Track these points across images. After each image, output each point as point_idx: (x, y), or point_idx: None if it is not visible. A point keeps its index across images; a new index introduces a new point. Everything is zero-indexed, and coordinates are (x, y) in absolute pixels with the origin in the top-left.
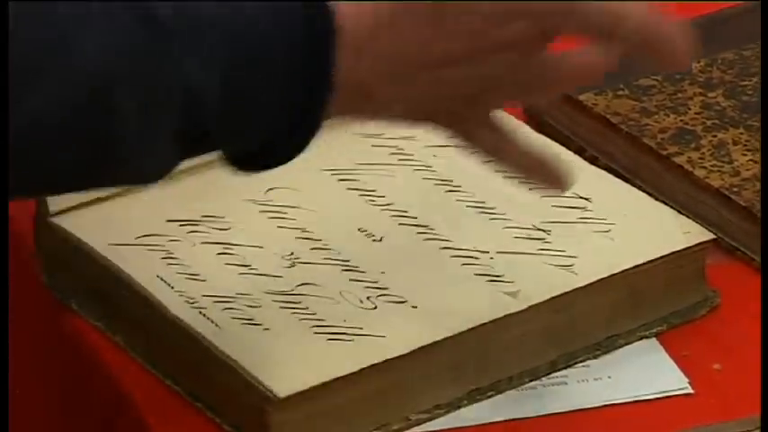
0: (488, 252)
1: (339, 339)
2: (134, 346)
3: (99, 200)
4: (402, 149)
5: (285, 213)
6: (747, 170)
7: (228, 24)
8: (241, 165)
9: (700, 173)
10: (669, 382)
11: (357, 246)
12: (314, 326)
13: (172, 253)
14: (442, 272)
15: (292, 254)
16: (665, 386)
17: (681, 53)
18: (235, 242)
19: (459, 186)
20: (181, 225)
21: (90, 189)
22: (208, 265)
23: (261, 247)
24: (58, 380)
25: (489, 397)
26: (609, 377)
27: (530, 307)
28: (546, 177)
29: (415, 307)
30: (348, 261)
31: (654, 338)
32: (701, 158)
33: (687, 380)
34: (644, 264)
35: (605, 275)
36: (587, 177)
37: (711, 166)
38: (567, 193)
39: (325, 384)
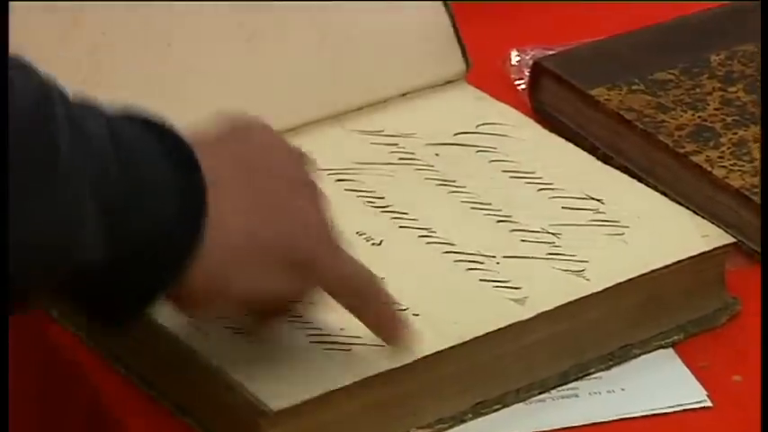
0: (494, 256)
1: (336, 349)
2: (117, 357)
3: None
4: (402, 147)
5: None
6: None
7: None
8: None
9: (719, 172)
10: (686, 394)
11: (355, 250)
12: (309, 335)
13: None
14: (445, 278)
15: None
16: (682, 399)
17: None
18: None
19: (464, 187)
20: None
21: None
22: None
23: None
24: (37, 392)
25: (496, 410)
26: (622, 389)
27: (538, 315)
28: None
29: (417, 315)
30: None
31: (670, 348)
32: (720, 157)
33: (705, 392)
34: (660, 269)
35: (619, 281)
36: (599, 177)
37: (731, 165)
38: (579, 194)
39: (321, 397)
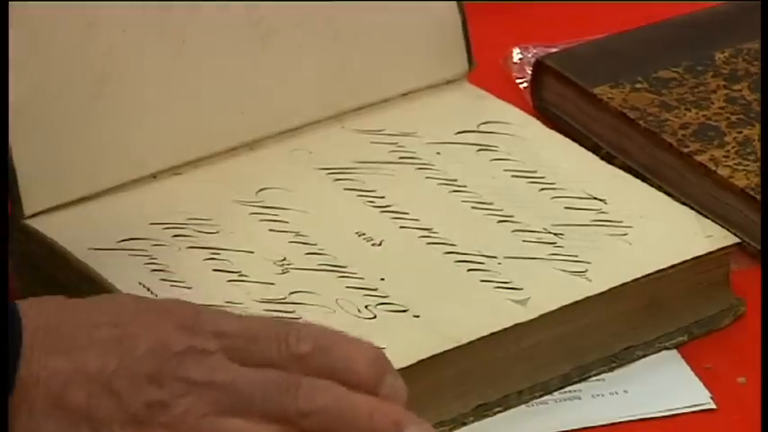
0: (496, 257)
1: None
2: None
3: (77, 201)
4: (403, 146)
5: (277, 216)
6: None
7: None
8: None
9: (723, 172)
10: (690, 396)
11: (355, 251)
12: None
13: (155, 258)
14: (445, 278)
15: (285, 259)
16: (687, 401)
17: None
18: (223, 247)
19: (465, 186)
20: (165, 228)
21: None
22: (194, 272)
23: (251, 253)
24: None
25: (497, 413)
26: (625, 391)
27: (540, 316)
28: None
29: (418, 316)
30: (345, 267)
31: (674, 350)
32: (724, 156)
33: (710, 394)
34: (663, 270)
35: (622, 282)
36: (602, 177)
37: (736, 164)
38: (581, 194)
39: None
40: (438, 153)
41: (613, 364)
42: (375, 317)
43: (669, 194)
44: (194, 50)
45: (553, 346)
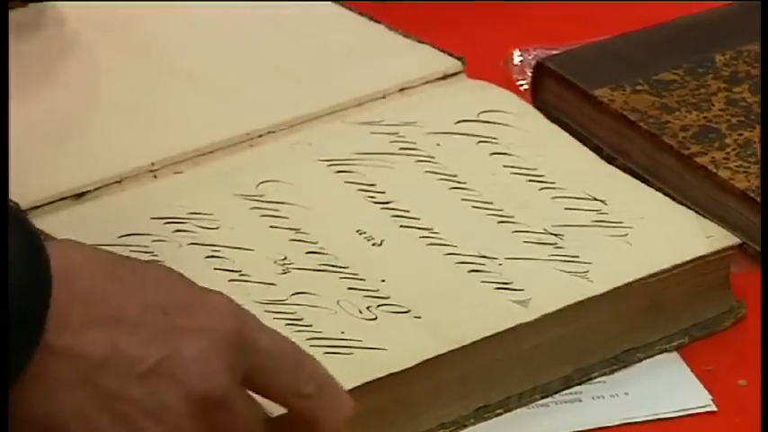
0: (496, 258)
1: (337, 353)
2: None
3: (76, 196)
4: (403, 137)
5: (278, 211)
6: None
7: None
8: None
9: (724, 174)
10: (691, 398)
11: (356, 250)
12: (310, 338)
13: (157, 255)
14: (446, 280)
15: (285, 258)
16: (687, 403)
17: None
18: (224, 244)
19: (465, 183)
20: (166, 223)
21: None
22: (195, 270)
23: (252, 250)
24: None
25: (498, 415)
26: (626, 394)
27: (541, 317)
28: None
29: (419, 318)
30: (346, 268)
31: (675, 352)
32: (725, 158)
33: (710, 397)
34: (664, 271)
35: (622, 283)
36: (602, 176)
37: (737, 166)
38: (581, 194)
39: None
40: (438, 144)
41: (614, 366)
42: (376, 318)
43: (670, 196)
44: (194, 45)
45: (554, 348)
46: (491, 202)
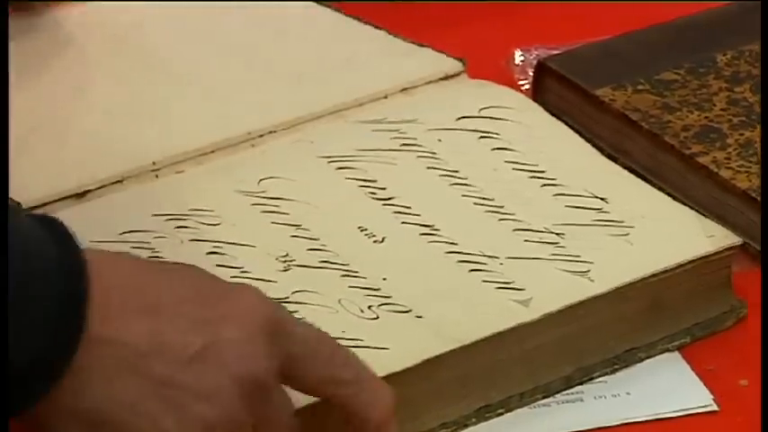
0: (498, 257)
1: None
2: None
3: (78, 195)
4: (404, 133)
5: (279, 207)
6: None
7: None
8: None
9: (725, 174)
10: (692, 398)
11: (357, 247)
12: None
13: (158, 252)
14: (448, 279)
15: (287, 255)
16: (688, 403)
17: None
18: (225, 240)
19: (466, 179)
20: (167, 219)
21: None
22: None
23: (253, 247)
24: None
25: (499, 415)
26: (628, 393)
27: (542, 317)
28: None
29: (420, 317)
30: (347, 265)
31: (676, 351)
32: (726, 158)
33: (712, 396)
34: (666, 270)
35: (624, 283)
36: (603, 174)
37: (738, 166)
38: (583, 192)
39: (322, 401)
40: (439, 140)
41: (615, 366)
42: (378, 317)
43: (671, 196)
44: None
45: (555, 348)
46: (492, 199)
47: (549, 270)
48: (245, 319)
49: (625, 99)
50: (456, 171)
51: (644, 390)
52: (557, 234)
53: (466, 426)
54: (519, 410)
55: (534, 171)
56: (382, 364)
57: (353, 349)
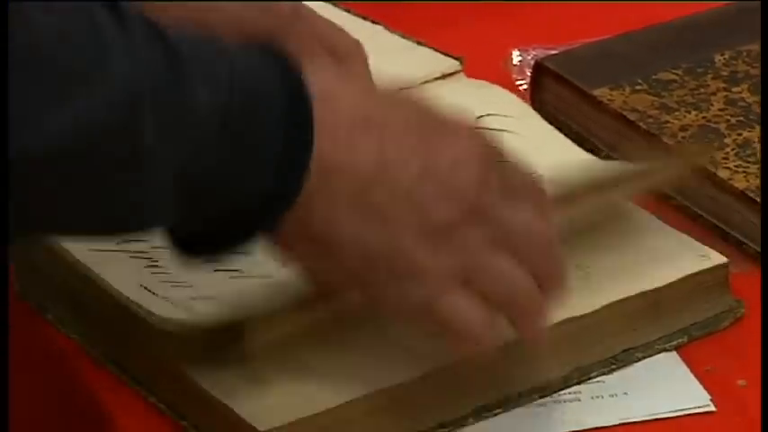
0: None
1: None
2: (114, 360)
3: None
4: None
5: None
6: None
7: (226, 70)
8: (198, 243)
9: (723, 174)
10: (690, 398)
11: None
12: None
13: (156, 261)
14: None
15: None
16: (686, 403)
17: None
18: None
19: None
20: None
21: (87, 224)
22: (195, 269)
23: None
24: (33, 394)
25: (496, 414)
26: (625, 393)
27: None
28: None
29: None
30: None
31: (674, 352)
32: (724, 158)
33: (709, 396)
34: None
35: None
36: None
37: (736, 166)
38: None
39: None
40: None
41: (613, 366)
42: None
43: (668, 196)
44: None
45: (553, 348)
46: None
47: None
48: (467, 144)
49: (623, 99)
50: None
51: (641, 390)
52: None
53: (463, 426)
54: (516, 410)
55: None
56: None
57: None
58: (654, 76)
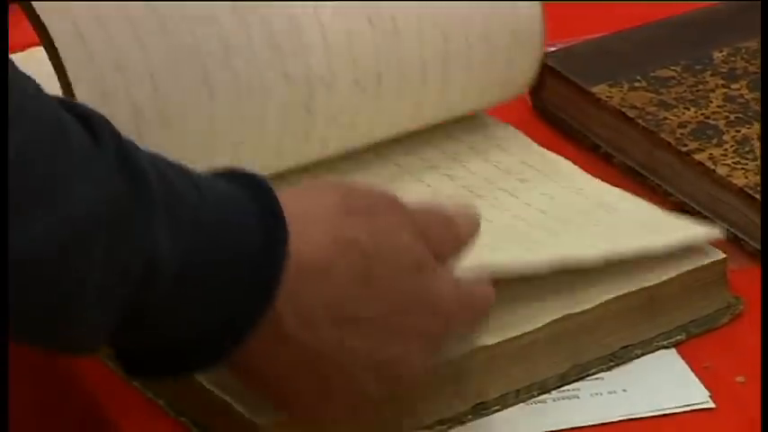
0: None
1: None
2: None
3: None
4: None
5: None
6: None
7: (196, 207)
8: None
9: (722, 170)
10: (689, 395)
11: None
12: None
13: None
14: None
15: None
16: (685, 400)
17: None
18: None
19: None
20: None
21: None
22: None
23: None
24: (33, 395)
25: (495, 411)
26: (624, 390)
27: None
28: None
29: None
30: None
31: (672, 348)
32: (723, 155)
33: (708, 393)
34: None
35: (618, 294)
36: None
37: (734, 163)
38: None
39: None
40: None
41: (612, 363)
42: None
43: (668, 193)
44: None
45: (551, 345)
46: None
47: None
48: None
49: (621, 96)
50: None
51: (640, 386)
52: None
53: (462, 422)
54: (515, 407)
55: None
56: None
57: None
58: (652, 73)
